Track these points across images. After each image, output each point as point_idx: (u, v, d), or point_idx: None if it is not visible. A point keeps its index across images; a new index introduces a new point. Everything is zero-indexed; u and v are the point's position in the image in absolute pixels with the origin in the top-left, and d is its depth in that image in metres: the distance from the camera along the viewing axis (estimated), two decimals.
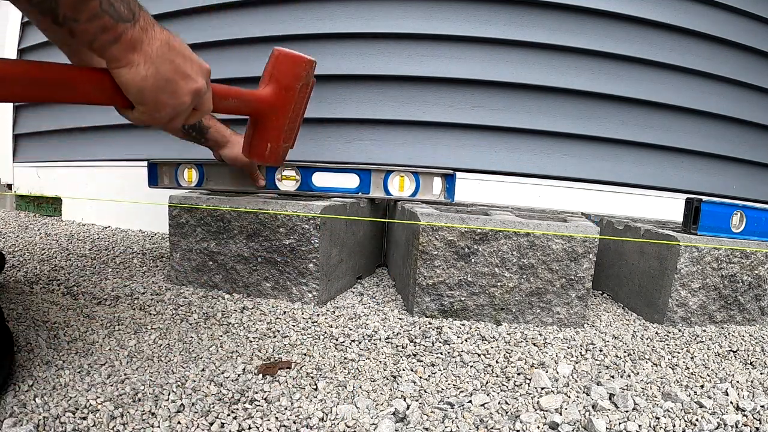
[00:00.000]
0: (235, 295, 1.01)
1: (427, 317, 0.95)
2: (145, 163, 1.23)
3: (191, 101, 0.65)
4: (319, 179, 1.17)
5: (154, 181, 1.20)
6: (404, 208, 1.09)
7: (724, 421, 0.62)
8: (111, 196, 1.83)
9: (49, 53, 2.02)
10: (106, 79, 0.60)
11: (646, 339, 0.92)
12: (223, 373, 0.68)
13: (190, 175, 1.20)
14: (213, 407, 0.60)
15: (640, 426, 0.60)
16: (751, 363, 0.85)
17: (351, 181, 1.18)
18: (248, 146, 0.92)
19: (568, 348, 0.84)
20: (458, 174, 1.47)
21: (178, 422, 0.56)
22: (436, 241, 0.91)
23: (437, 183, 1.18)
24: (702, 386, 0.73)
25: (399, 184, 1.18)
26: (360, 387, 0.67)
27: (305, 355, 0.76)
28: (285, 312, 0.93)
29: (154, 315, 0.89)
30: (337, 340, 0.83)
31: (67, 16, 0.51)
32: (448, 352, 0.80)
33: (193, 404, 0.60)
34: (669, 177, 1.54)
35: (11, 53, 2.14)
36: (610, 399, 0.67)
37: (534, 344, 0.85)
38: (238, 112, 0.87)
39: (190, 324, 0.86)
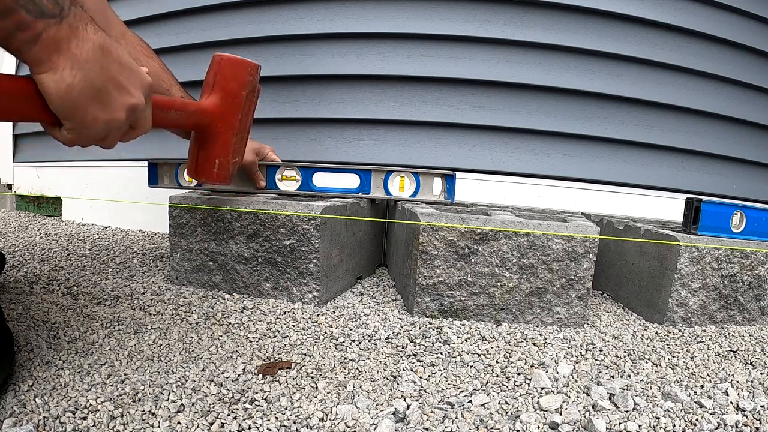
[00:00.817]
0: (235, 295, 1.01)
1: (427, 317, 0.95)
2: (146, 163, 1.22)
3: (126, 117, 0.57)
4: (320, 179, 1.17)
5: (154, 180, 1.19)
6: (404, 208, 1.09)
7: (724, 421, 0.62)
8: (111, 196, 1.83)
9: None
10: (30, 87, 0.51)
11: (646, 339, 0.92)
12: (223, 373, 0.69)
13: None
14: (213, 407, 0.60)
15: (640, 426, 0.60)
16: (751, 363, 0.85)
17: (351, 181, 1.18)
18: (194, 165, 0.85)
19: (568, 348, 0.84)
20: (458, 174, 1.47)
21: (178, 422, 0.56)
22: (436, 241, 0.91)
23: (437, 183, 1.17)
24: (702, 386, 0.73)
25: (399, 185, 1.17)
26: (360, 387, 0.67)
27: (305, 355, 0.76)
28: (285, 312, 0.93)
29: (154, 315, 0.89)
30: (337, 340, 0.83)
31: None
32: (448, 352, 0.80)
33: (193, 404, 0.60)
34: (669, 177, 1.54)
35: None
36: (610, 399, 0.67)
37: (534, 344, 0.85)
38: (181, 126, 0.81)
39: (190, 324, 0.86)
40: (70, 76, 0.50)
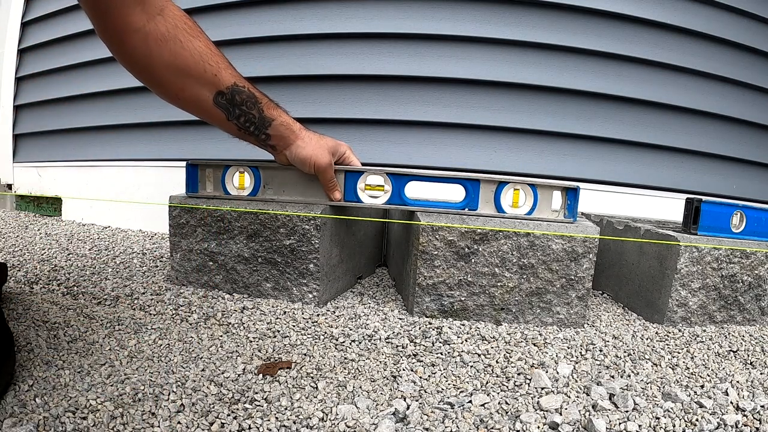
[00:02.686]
0: (235, 295, 1.01)
1: (427, 317, 0.95)
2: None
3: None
4: (414, 190, 0.96)
5: (193, 187, 0.98)
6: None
7: (724, 421, 0.62)
8: (111, 196, 1.83)
9: (47, 53, 2.02)
10: None
11: (646, 339, 0.92)
12: (223, 373, 0.69)
13: (242, 181, 0.97)
14: (213, 407, 0.60)
15: (640, 426, 0.60)
16: (751, 363, 0.85)
17: (455, 193, 0.97)
18: None
19: (568, 348, 0.84)
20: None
21: (178, 422, 0.56)
22: (436, 241, 0.91)
23: (557, 198, 0.97)
24: (702, 386, 0.73)
25: (513, 199, 0.96)
26: (360, 387, 0.67)
27: (305, 355, 0.76)
28: (285, 312, 0.93)
29: (154, 315, 0.89)
30: (337, 340, 0.83)
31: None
32: (448, 352, 0.80)
33: (193, 404, 0.60)
34: (669, 177, 1.54)
35: (11, 53, 2.14)
36: (610, 399, 0.67)
37: (534, 344, 0.85)
38: None
39: (190, 324, 0.86)
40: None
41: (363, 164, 1.00)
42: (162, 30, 0.78)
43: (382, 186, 0.96)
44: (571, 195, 0.95)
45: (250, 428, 0.56)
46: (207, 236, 1.01)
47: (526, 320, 0.95)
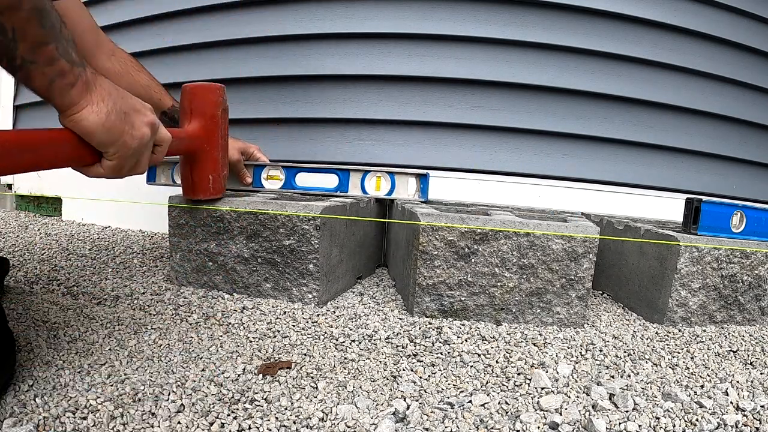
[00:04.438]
0: (235, 295, 1.01)
1: (427, 317, 0.95)
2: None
3: (151, 133, 0.67)
4: (302, 179, 1.22)
5: (152, 178, 1.25)
6: (404, 208, 1.09)
7: (724, 421, 0.62)
8: (111, 196, 1.83)
9: None
10: (67, 134, 0.58)
11: (646, 339, 0.92)
12: (223, 373, 0.69)
13: None
14: (213, 407, 0.60)
15: (640, 426, 0.60)
16: (751, 363, 0.85)
17: (331, 180, 1.23)
18: (191, 185, 0.95)
19: (568, 348, 0.84)
20: (458, 174, 1.48)
21: (178, 422, 0.56)
22: (436, 241, 0.91)
23: (412, 183, 1.22)
24: (702, 386, 0.73)
25: (376, 184, 1.22)
26: (360, 387, 0.67)
27: (305, 355, 0.76)
28: (285, 312, 0.93)
29: (154, 315, 0.89)
30: (337, 340, 0.83)
31: (25, 59, 0.50)
32: (448, 352, 0.80)
33: (193, 404, 0.60)
34: (669, 177, 1.54)
35: None
36: (610, 399, 0.67)
37: (534, 344, 0.85)
38: (177, 152, 0.89)
39: (190, 324, 0.86)
40: (105, 106, 0.59)
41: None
42: (117, 68, 1.03)
43: (279, 176, 1.22)
44: (424, 180, 1.20)
45: (250, 428, 0.56)
46: (206, 236, 1.01)
47: (526, 320, 0.95)
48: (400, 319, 0.94)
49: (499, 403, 0.64)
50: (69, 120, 0.57)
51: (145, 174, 1.24)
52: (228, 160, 1.02)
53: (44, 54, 0.51)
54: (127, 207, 1.80)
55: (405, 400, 0.64)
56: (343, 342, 0.82)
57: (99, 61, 1.00)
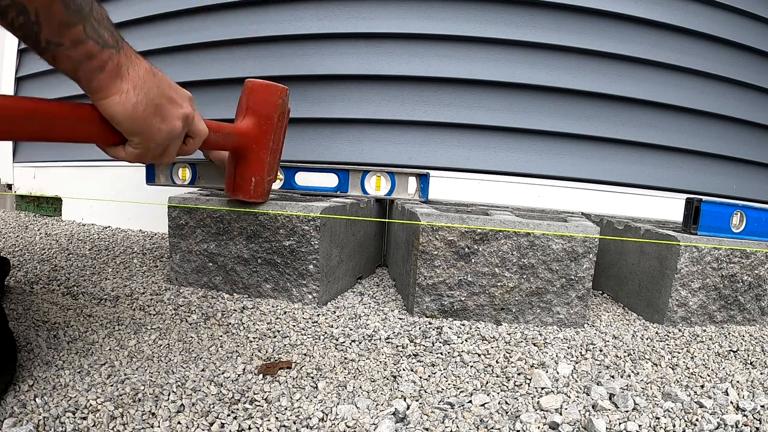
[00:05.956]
0: (235, 295, 1.01)
1: (427, 317, 0.95)
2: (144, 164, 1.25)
3: (183, 126, 0.65)
4: (302, 179, 1.22)
5: (151, 178, 1.25)
6: (404, 208, 1.09)
7: (724, 421, 0.62)
8: (111, 196, 1.83)
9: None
10: (94, 113, 0.57)
11: (646, 339, 0.92)
12: (223, 373, 0.68)
13: (184, 174, 1.25)
14: (213, 407, 0.60)
15: (640, 426, 0.60)
16: (751, 363, 0.85)
17: (330, 180, 1.23)
18: (231, 183, 0.91)
19: (568, 348, 0.84)
20: (458, 174, 1.48)
21: (178, 422, 0.56)
22: (436, 241, 0.91)
23: (412, 182, 1.22)
24: (702, 386, 0.73)
25: (376, 184, 1.23)
26: (360, 387, 0.67)
27: (305, 355, 0.76)
28: (285, 312, 0.93)
29: (154, 315, 0.89)
30: (337, 340, 0.83)
31: (50, 41, 0.48)
32: (448, 352, 0.80)
33: (193, 404, 0.60)
34: (669, 177, 1.54)
35: (11, 53, 2.14)
36: (610, 399, 0.67)
37: (534, 344, 0.85)
38: (222, 147, 0.87)
39: (190, 324, 0.86)
40: (134, 96, 0.56)
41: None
42: None
43: (279, 176, 1.21)
44: (424, 180, 1.20)
45: (250, 428, 0.56)
46: (206, 237, 1.01)
47: (526, 320, 0.95)
48: (400, 319, 0.94)
49: (499, 403, 0.64)
50: (96, 104, 0.56)
51: (144, 174, 1.24)
52: (275, 170, 0.96)
53: (70, 36, 0.49)
54: (127, 207, 1.80)
55: (405, 400, 0.64)
56: (343, 342, 0.82)
57: None
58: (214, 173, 1.24)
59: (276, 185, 1.21)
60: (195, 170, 1.24)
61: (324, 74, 1.50)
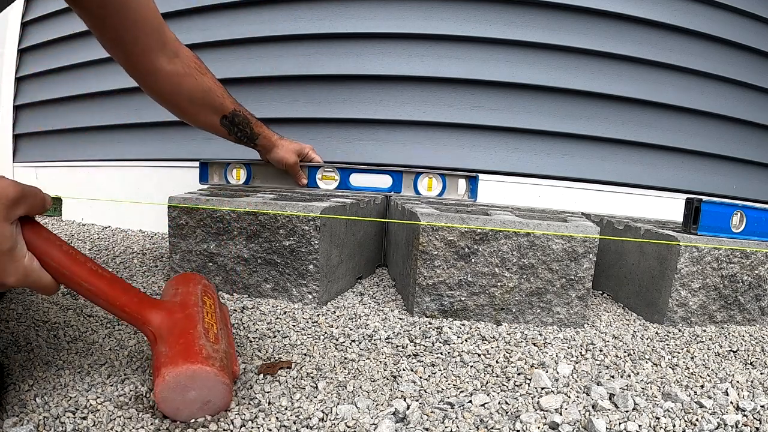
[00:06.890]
0: (235, 295, 1.01)
1: (427, 317, 0.95)
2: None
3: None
4: (356, 179, 1.27)
5: (205, 178, 1.30)
6: (404, 208, 1.09)
7: (724, 421, 0.62)
8: (111, 196, 1.83)
9: (47, 53, 2.02)
10: None
11: (646, 339, 0.92)
12: None
13: (239, 174, 1.30)
14: None
15: (640, 426, 0.60)
16: (751, 363, 0.85)
17: (384, 181, 1.29)
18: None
19: (568, 348, 0.84)
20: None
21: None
22: (436, 241, 0.91)
23: (462, 184, 1.29)
24: (702, 386, 0.73)
25: (428, 185, 1.29)
26: (360, 387, 0.67)
27: (305, 355, 0.76)
28: (285, 312, 0.93)
29: None
30: (337, 340, 0.83)
31: None
32: (448, 352, 0.80)
33: None
34: (669, 177, 1.54)
35: (11, 53, 2.14)
36: (610, 399, 0.67)
37: (534, 344, 0.85)
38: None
39: None
40: None
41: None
42: (180, 69, 1.02)
43: (334, 176, 1.28)
44: (473, 182, 1.29)
45: (250, 428, 0.56)
46: (206, 237, 1.01)
47: (526, 320, 0.95)
48: (400, 319, 0.94)
49: (499, 403, 0.64)
50: None
51: (198, 174, 1.29)
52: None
53: None
54: (127, 207, 1.80)
55: (405, 400, 0.64)
56: (343, 342, 0.82)
57: (160, 63, 0.99)
58: (270, 173, 1.29)
59: (331, 186, 1.28)
60: (250, 170, 1.29)
61: (323, 74, 1.50)
